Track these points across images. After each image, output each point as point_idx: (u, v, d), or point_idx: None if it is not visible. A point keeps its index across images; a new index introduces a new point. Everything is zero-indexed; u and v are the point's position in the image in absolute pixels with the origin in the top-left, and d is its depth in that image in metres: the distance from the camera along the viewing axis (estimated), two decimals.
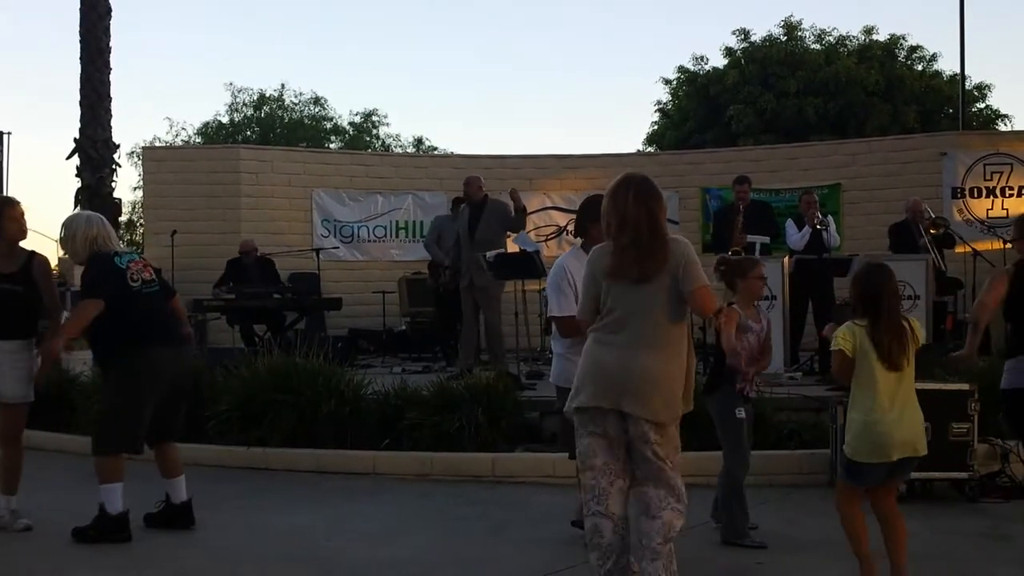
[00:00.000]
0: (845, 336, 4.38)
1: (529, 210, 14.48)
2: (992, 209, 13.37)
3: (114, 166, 16.17)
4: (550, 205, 14.63)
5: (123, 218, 18.61)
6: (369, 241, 14.42)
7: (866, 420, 4.32)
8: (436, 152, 32.30)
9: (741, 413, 5.37)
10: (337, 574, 4.75)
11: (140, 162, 24.65)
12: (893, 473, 4.41)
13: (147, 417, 5.36)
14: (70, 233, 5.53)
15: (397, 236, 14.49)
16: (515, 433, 7.48)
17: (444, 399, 7.42)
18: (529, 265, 9.15)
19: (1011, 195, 13.39)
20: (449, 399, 7.41)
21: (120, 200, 16.76)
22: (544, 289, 11.47)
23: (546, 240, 14.13)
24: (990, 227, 12.24)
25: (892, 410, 4.29)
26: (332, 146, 32.77)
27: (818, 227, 9.93)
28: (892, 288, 4.40)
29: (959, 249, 11.09)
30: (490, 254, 9.37)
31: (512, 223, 9.73)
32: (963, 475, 6.35)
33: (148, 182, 14.91)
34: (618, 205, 4.07)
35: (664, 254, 4.01)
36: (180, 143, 32.29)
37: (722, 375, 5.39)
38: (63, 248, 5.80)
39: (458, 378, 8.35)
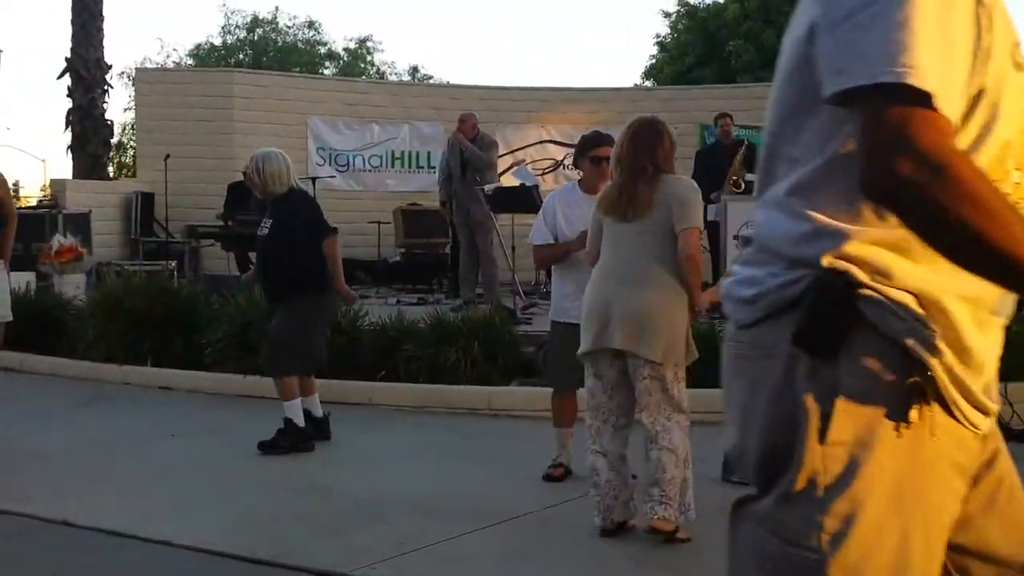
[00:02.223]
0: None
1: (526, 143, 14.45)
2: None
3: (106, 87, 15.96)
4: (547, 138, 14.50)
5: (114, 140, 18.36)
6: (365, 171, 14.29)
7: None
8: (432, 81, 31.90)
9: None
10: (335, 503, 4.78)
11: (131, 83, 24.24)
12: None
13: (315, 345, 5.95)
14: (278, 166, 5.85)
15: (393, 166, 14.36)
16: (511, 367, 7.49)
17: (441, 332, 7.41)
18: (527, 199, 9.10)
19: None
20: (446, 332, 7.39)
21: (112, 122, 16.60)
22: None
23: (543, 174, 14.02)
24: None
25: None
26: (326, 72, 32.33)
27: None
28: None
29: None
30: (488, 187, 9.35)
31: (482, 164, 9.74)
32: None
33: (140, 105, 14.69)
34: (617, 146, 4.25)
35: (651, 194, 4.10)
36: (171, 65, 31.80)
37: None
38: (264, 181, 5.87)
39: (459, 310, 8.38)
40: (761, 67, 22.04)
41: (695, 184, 4.31)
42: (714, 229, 10.07)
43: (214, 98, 13.72)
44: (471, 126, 9.92)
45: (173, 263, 11.30)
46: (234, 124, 13.54)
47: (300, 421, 5.78)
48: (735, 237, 9.45)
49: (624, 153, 4.19)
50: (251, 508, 4.73)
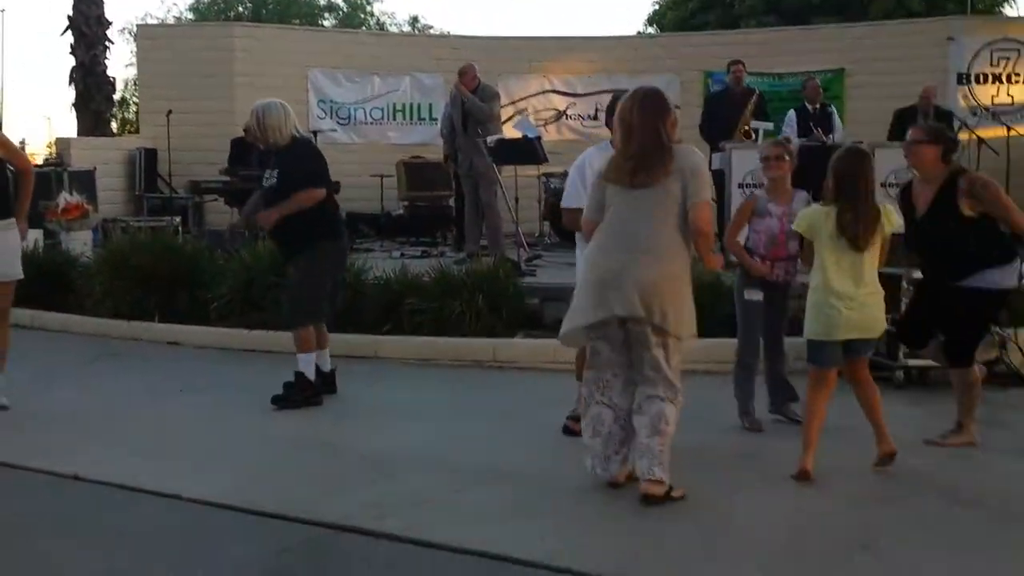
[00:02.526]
0: (802, 218, 4.58)
1: (528, 94, 14.34)
2: (997, 96, 13.19)
3: (107, 43, 15.88)
4: (549, 88, 14.37)
5: (116, 96, 18.27)
6: (366, 123, 14.20)
7: (817, 299, 4.49)
8: (433, 32, 31.61)
9: (751, 295, 5.37)
10: (343, 457, 4.82)
11: (131, 39, 24.08)
12: (849, 351, 4.54)
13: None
14: (278, 117, 5.81)
15: (395, 119, 14.27)
16: (515, 319, 7.50)
17: (445, 285, 7.42)
18: (530, 151, 9.06)
19: (1017, 81, 13.20)
20: (450, 285, 7.41)
21: (114, 78, 16.53)
22: (543, 175, 11.48)
23: (545, 124, 13.92)
24: (994, 114, 12.09)
25: (845, 291, 4.41)
26: (326, 23, 32.02)
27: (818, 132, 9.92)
28: (865, 171, 4.48)
29: (962, 135, 10.97)
30: (491, 139, 9.30)
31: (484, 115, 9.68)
32: None
33: (142, 60, 14.59)
34: (624, 117, 4.22)
35: (667, 163, 4.09)
36: (172, 20, 31.53)
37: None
38: (265, 132, 5.85)
39: (463, 262, 8.39)
40: (764, 12, 21.79)
41: (702, 156, 4.30)
42: (719, 178, 10.02)
43: (214, 52, 13.61)
44: (472, 77, 9.85)
45: (177, 219, 11.29)
46: (235, 78, 13.43)
47: (312, 375, 5.82)
48: (739, 185, 9.41)
49: (634, 122, 4.16)
50: (259, 462, 4.78)
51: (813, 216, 4.52)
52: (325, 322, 6.10)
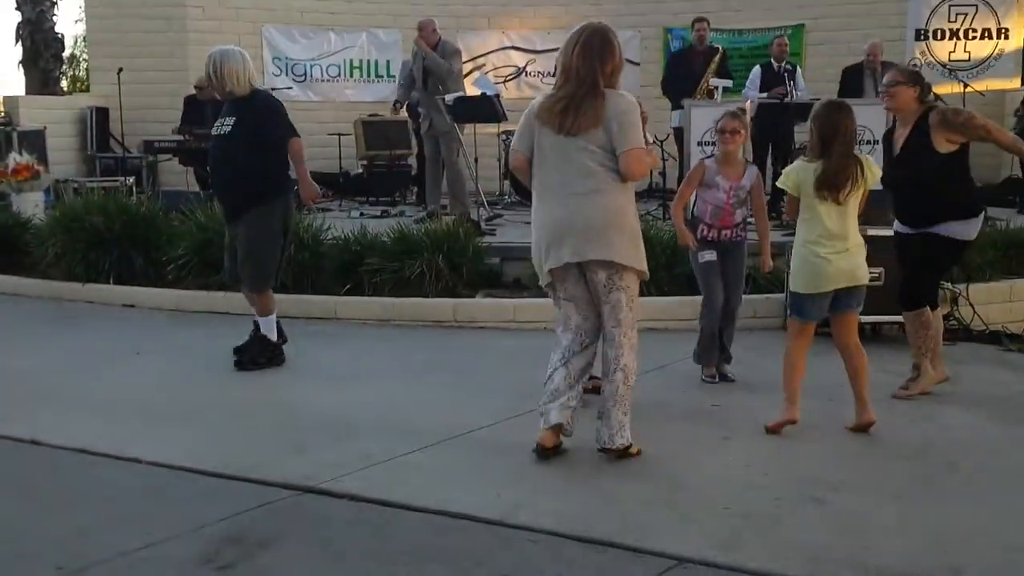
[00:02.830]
0: (787, 175, 4.61)
1: (487, 50, 14.21)
2: (954, 52, 13.28)
3: None
4: (509, 44, 14.25)
5: (65, 53, 17.87)
6: (323, 80, 14.03)
7: (804, 252, 4.56)
8: None
9: (704, 256, 5.44)
10: (302, 419, 4.82)
11: None
12: (837, 305, 4.59)
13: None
14: (234, 65, 5.58)
15: (352, 76, 14.10)
16: (476, 279, 7.51)
17: (405, 245, 7.41)
18: (489, 108, 9.01)
19: (974, 37, 13.29)
20: (410, 245, 7.39)
21: (62, 35, 16.16)
22: (503, 133, 11.42)
23: (505, 81, 13.83)
24: (951, 70, 12.18)
25: (831, 242, 4.50)
26: None
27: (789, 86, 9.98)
28: (848, 125, 4.52)
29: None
30: (449, 97, 9.22)
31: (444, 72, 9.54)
32: None
33: (91, 17, 14.25)
34: (565, 53, 4.07)
35: (597, 110, 3.96)
36: None
37: (688, 221, 5.55)
38: (223, 81, 5.59)
39: (424, 221, 8.35)
40: None
41: (635, 102, 4.11)
42: (678, 136, 10.06)
43: (166, 8, 13.33)
44: (431, 31, 9.60)
45: (131, 179, 11.12)
46: (187, 35, 13.19)
47: (275, 335, 5.79)
48: (699, 143, 9.43)
49: (573, 61, 4.02)
50: (218, 424, 4.77)
51: (799, 172, 4.56)
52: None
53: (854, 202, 4.54)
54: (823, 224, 4.51)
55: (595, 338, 4.21)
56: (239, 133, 5.56)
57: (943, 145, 5.00)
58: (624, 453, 4.11)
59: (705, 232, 5.49)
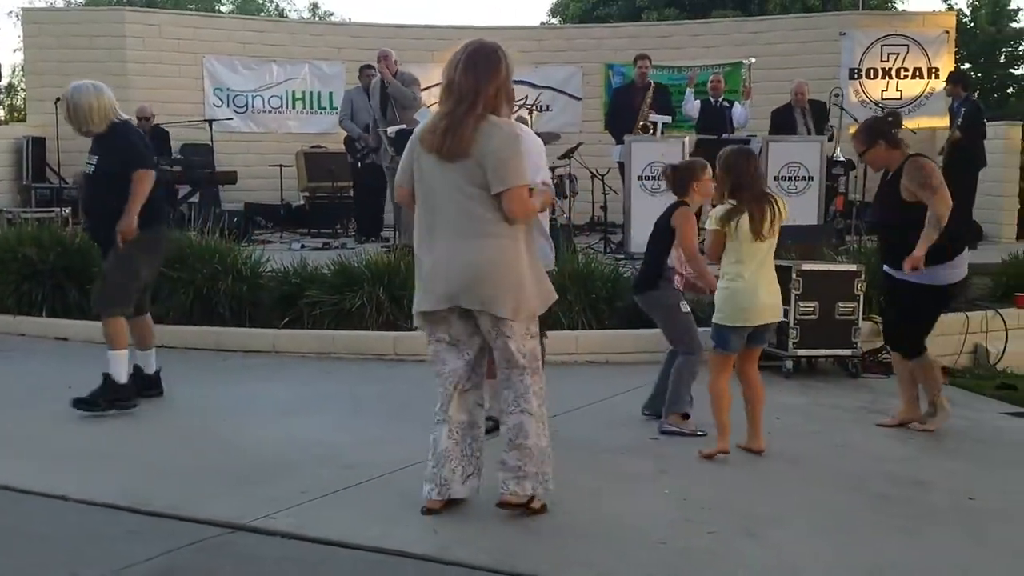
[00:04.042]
0: (719, 215, 4.73)
1: (431, 83, 14.22)
2: (887, 91, 13.65)
3: None
4: None
5: (3, 82, 17.56)
6: (265, 112, 13.97)
7: (733, 287, 4.70)
8: (333, 19, 31.21)
9: (686, 307, 5.33)
10: (238, 454, 4.74)
11: (20, 23, 23.15)
12: (752, 340, 4.78)
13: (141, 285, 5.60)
14: (87, 101, 5.35)
15: (294, 107, 14.07)
16: None
17: (345, 277, 7.36)
18: None
19: (906, 77, 13.68)
20: (350, 277, 7.34)
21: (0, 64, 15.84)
22: None
23: None
24: (884, 109, 12.49)
25: (756, 278, 4.69)
26: (223, 9, 31.31)
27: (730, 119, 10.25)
28: (753, 167, 4.78)
29: (852, 130, 11.27)
30: (391, 130, 9.23)
31: (408, 100, 9.65)
32: (847, 352, 6.64)
33: (29, 47, 14.06)
34: (448, 67, 3.71)
35: (468, 135, 3.60)
36: (61, 3, 30.43)
37: (661, 276, 5.30)
38: (80, 117, 5.38)
39: (389, 253, 8.19)
40: (665, 5, 22.10)
41: (516, 132, 3.74)
42: (622, 169, 10.17)
43: (106, 38, 13.22)
44: (392, 61, 9.81)
45: (67, 210, 10.93)
46: (127, 65, 13.09)
47: (122, 377, 5.40)
48: (639, 178, 9.55)
49: (455, 78, 3.67)
50: (151, 460, 4.66)
51: (728, 213, 4.69)
52: (143, 314, 5.72)
53: (772, 241, 4.74)
54: (749, 262, 4.69)
55: (474, 383, 3.90)
56: (101, 171, 5.43)
57: (908, 194, 5.06)
58: (525, 506, 3.82)
59: (680, 282, 5.35)
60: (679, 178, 5.27)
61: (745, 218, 4.64)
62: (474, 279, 3.67)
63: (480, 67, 3.67)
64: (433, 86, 14.18)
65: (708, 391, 4.80)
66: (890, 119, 5.21)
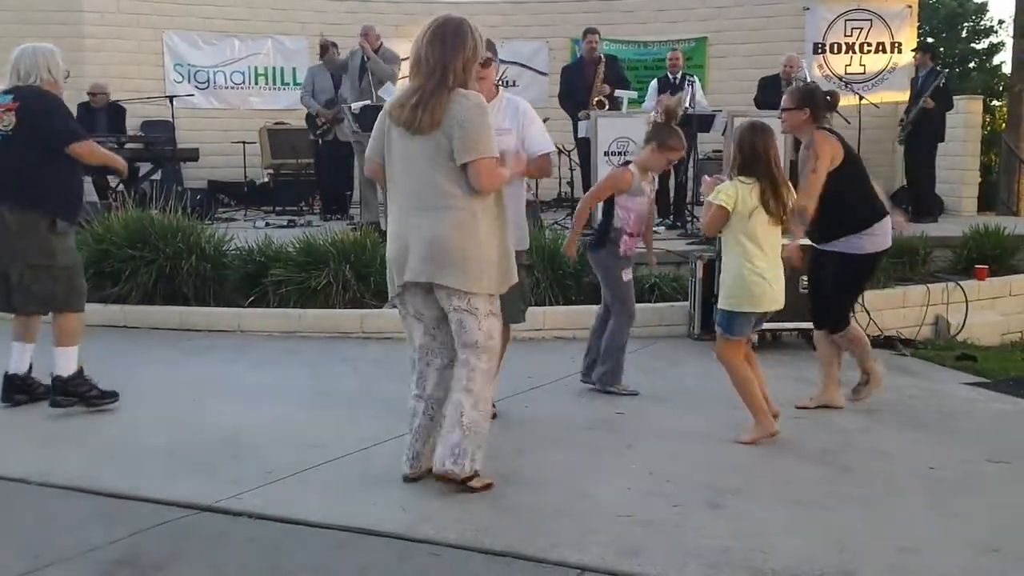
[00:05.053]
0: (728, 192, 4.51)
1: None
2: (850, 65, 13.72)
3: None
4: None
5: None
6: (227, 88, 13.80)
7: (747, 272, 4.53)
8: None
9: (627, 276, 5.42)
10: (202, 435, 4.70)
11: None
12: (757, 323, 4.70)
13: None
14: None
15: (257, 83, 13.90)
16: (383, 289, 7.41)
17: (311, 255, 7.31)
18: None
19: (869, 51, 13.75)
20: (316, 255, 7.30)
21: None
22: None
23: None
24: (847, 83, 12.56)
25: (770, 264, 4.56)
26: None
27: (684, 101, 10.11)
28: (769, 143, 4.56)
29: None
30: (355, 105, 9.18)
31: (388, 76, 9.70)
32: (810, 325, 6.67)
33: None
34: (416, 43, 3.74)
35: (439, 109, 3.64)
36: None
37: (608, 235, 5.42)
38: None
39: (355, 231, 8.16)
40: None
41: (482, 103, 3.72)
42: (585, 146, 10.14)
43: (62, 12, 12.96)
44: (376, 37, 9.87)
45: None
46: (84, 41, 12.85)
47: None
48: (606, 153, 9.53)
49: (423, 52, 3.69)
50: (113, 442, 4.62)
51: (740, 192, 4.49)
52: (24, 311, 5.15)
53: (780, 224, 4.60)
54: (760, 246, 4.53)
55: (451, 359, 3.90)
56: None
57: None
58: (463, 483, 3.81)
59: (628, 245, 5.39)
60: (653, 133, 5.30)
61: (759, 199, 4.47)
62: (427, 251, 3.71)
63: (448, 41, 3.69)
64: (401, 60, 14.11)
65: (731, 380, 4.68)
66: (828, 97, 5.22)
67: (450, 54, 3.68)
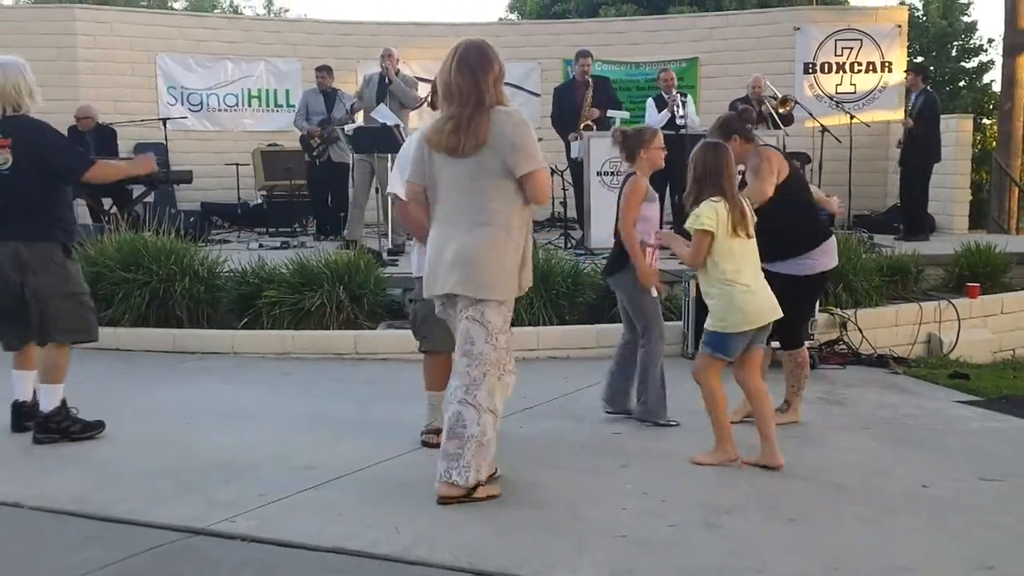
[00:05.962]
0: (708, 214, 4.46)
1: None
2: (841, 85, 13.81)
3: None
4: (410, 74, 14.24)
5: None
6: (220, 110, 13.82)
7: (733, 291, 4.47)
8: (288, 16, 30.99)
9: (654, 292, 5.23)
10: (196, 457, 4.68)
11: None
12: (753, 341, 4.57)
13: None
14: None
15: (250, 105, 13.93)
16: (377, 310, 7.47)
17: (304, 276, 7.31)
18: (389, 138, 8.98)
19: (859, 71, 13.84)
20: (309, 276, 7.30)
21: None
22: None
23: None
24: (838, 103, 12.63)
25: (754, 279, 4.53)
26: (176, 6, 30.97)
27: (675, 109, 10.11)
28: (727, 161, 4.55)
29: (808, 124, 11.46)
30: (348, 127, 9.21)
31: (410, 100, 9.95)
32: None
33: None
34: (443, 72, 3.90)
35: (483, 129, 3.80)
36: (9, 2, 29.90)
37: (626, 253, 5.19)
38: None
39: (345, 248, 8.29)
40: (624, 0, 22.17)
41: (525, 118, 3.93)
42: (577, 167, 10.18)
43: (55, 36, 12.99)
44: (396, 60, 10.02)
45: None
46: (78, 64, 12.89)
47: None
48: (598, 173, 9.58)
49: (452, 80, 3.86)
50: (107, 465, 4.60)
51: (718, 212, 4.46)
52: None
53: (750, 237, 4.57)
54: (743, 262, 4.50)
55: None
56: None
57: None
58: (466, 496, 3.87)
59: (651, 258, 5.20)
60: (628, 144, 5.23)
61: (729, 215, 4.43)
62: (463, 263, 3.84)
63: (475, 65, 3.86)
64: (389, 84, 14.17)
65: (705, 400, 4.60)
66: (742, 116, 5.27)
67: (480, 76, 3.84)
